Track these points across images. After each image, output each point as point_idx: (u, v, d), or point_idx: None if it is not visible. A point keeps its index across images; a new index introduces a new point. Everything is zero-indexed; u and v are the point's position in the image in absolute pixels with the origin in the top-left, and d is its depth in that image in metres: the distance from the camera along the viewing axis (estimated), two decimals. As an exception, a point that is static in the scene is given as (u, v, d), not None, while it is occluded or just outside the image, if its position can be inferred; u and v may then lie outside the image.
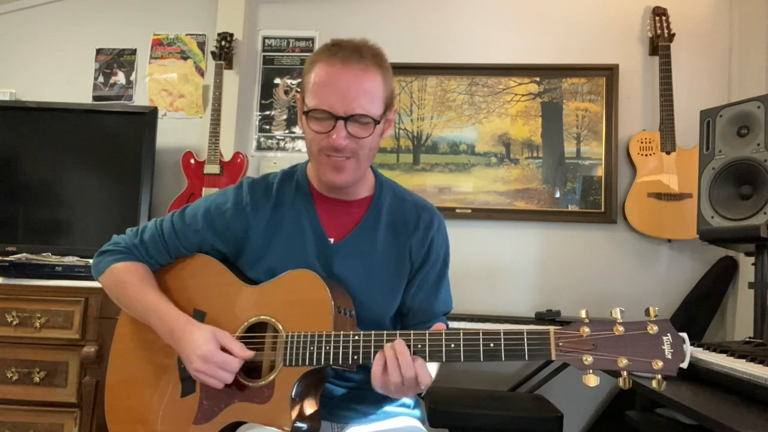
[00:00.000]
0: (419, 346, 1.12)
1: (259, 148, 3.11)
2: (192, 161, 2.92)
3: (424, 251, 1.37)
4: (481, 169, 2.97)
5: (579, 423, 2.79)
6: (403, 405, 1.41)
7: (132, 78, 3.19)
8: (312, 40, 3.13)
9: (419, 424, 1.40)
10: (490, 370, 2.82)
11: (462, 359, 1.10)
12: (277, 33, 3.16)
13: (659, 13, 2.84)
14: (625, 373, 1.02)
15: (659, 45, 2.80)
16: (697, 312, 2.68)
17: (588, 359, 1.03)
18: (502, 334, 1.09)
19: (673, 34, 2.80)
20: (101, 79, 3.19)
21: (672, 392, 1.28)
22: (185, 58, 3.18)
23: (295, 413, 1.17)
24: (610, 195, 2.85)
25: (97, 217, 2.81)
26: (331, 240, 1.34)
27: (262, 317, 1.26)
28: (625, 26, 2.95)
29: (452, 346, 1.11)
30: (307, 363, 1.18)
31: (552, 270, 2.87)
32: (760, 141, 1.82)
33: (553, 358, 1.05)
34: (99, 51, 3.21)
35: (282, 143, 3.11)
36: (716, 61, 2.88)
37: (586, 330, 1.05)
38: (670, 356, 1.00)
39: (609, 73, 2.91)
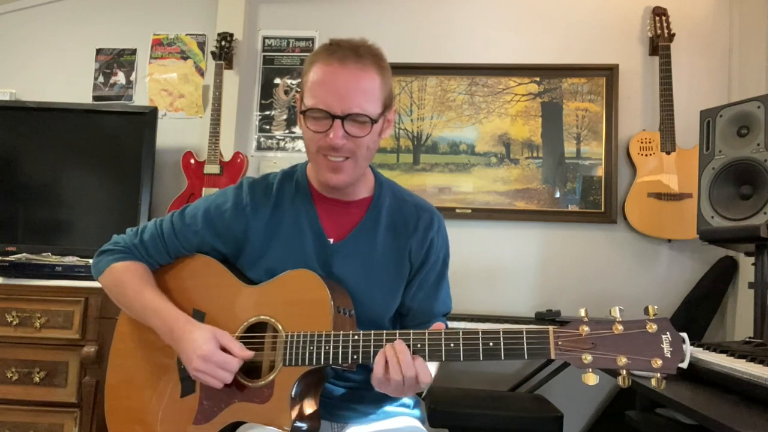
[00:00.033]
0: (419, 345, 1.12)
1: (259, 148, 3.11)
2: (192, 161, 2.92)
3: (424, 252, 1.37)
4: (481, 169, 2.97)
5: (579, 423, 2.79)
6: (403, 405, 1.41)
7: (132, 78, 3.19)
8: (312, 40, 3.13)
9: (419, 424, 1.40)
10: (490, 370, 2.82)
11: (461, 358, 1.10)
12: (277, 33, 3.16)
13: (659, 13, 2.84)
14: (624, 371, 1.02)
15: (659, 45, 2.80)
16: (697, 312, 2.68)
17: (587, 358, 1.03)
18: (501, 333, 1.09)
19: (673, 34, 2.80)
20: (101, 79, 3.20)
21: (672, 392, 1.28)
22: (185, 58, 3.18)
23: (294, 413, 1.17)
24: (610, 195, 2.85)
25: (97, 217, 2.81)
26: (331, 240, 1.34)
27: (261, 317, 1.26)
28: (625, 26, 2.95)
29: (452, 345, 1.11)
30: (306, 363, 1.18)
31: (552, 270, 2.87)
32: (760, 141, 1.82)
33: (553, 356, 1.05)
34: (99, 51, 3.21)
35: (282, 143, 3.11)
36: (716, 61, 2.88)
37: (585, 329, 1.05)
38: (669, 355, 1.00)
39: (609, 73, 2.92)
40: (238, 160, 2.89)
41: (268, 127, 3.12)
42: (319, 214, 1.36)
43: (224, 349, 1.21)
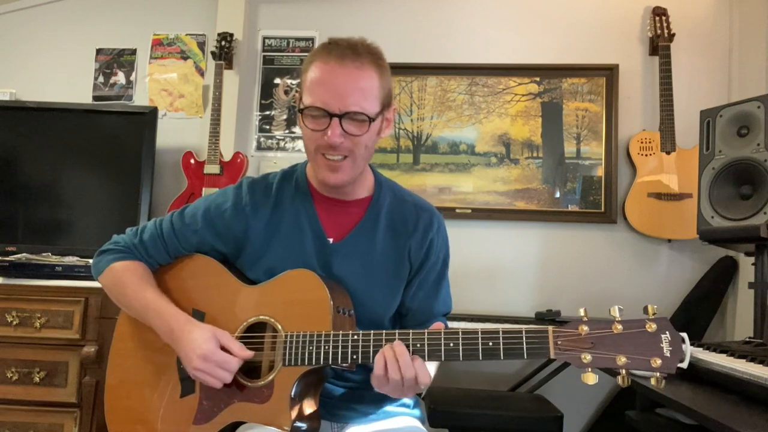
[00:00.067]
0: (418, 345, 1.12)
1: (259, 148, 3.11)
2: (192, 161, 2.92)
3: (424, 252, 1.37)
4: (481, 169, 2.97)
5: (579, 423, 2.79)
6: (403, 405, 1.41)
7: (132, 78, 3.19)
8: (312, 40, 3.13)
9: (419, 424, 1.40)
10: (490, 370, 2.82)
11: (461, 358, 1.10)
12: (277, 33, 3.16)
13: (659, 13, 2.84)
14: (623, 371, 1.02)
15: (659, 45, 2.80)
16: (697, 312, 2.67)
17: (587, 357, 1.03)
18: (500, 332, 1.09)
19: (673, 34, 2.80)
20: (101, 79, 3.20)
21: (672, 392, 1.28)
22: (185, 58, 3.18)
23: (294, 413, 1.17)
24: (610, 195, 2.84)
25: (97, 217, 2.81)
26: (331, 240, 1.34)
27: (261, 317, 1.26)
28: (625, 26, 2.95)
29: (451, 345, 1.11)
30: (306, 363, 1.18)
31: (552, 270, 2.87)
32: (760, 141, 1.81)
33: (552, 356, 1.05)
34: (99, 51, 3.21)
35: (282, 143, 3.11)
36: (716, 61, 2.88)
37: (585, 328, 1.05)
38: (668, 354, 1.00)
39: (609, 73, 2.91)
40: (238, 160, 2.89)
41: (268, 127, 3.12)
42: (319, 214, 1.36)
43: (224, 349, 1.21)
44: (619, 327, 1.04)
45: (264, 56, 3.15)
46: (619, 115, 2.88)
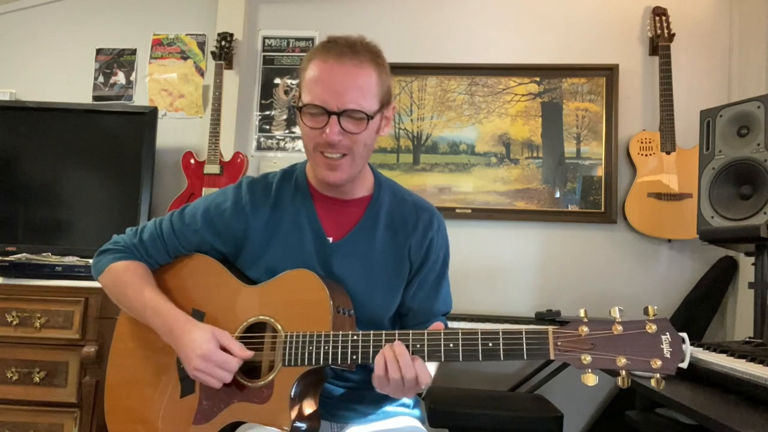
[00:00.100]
0: (418, 345, 1.12)
1: (259, 148, 3.11)
2: (192, 161, 2.92)
3: (423, 251, 1.37)
4: (481, 169, 2.97)
5: (579, 423, 2.79)
6: (403, 405, 1.41)
7: (132, 78, 3.19)
8: (312, 40, 3.13)
9: (419, 424, 1.40)
10: (490, 370, 2.82)
11: (461, 359, 1.10)
12: (277, 33, 3.16)
13: (659, 13, 2.84)
14: (623, 372, 1.02)
15: (659, 45, 2.80)
16: (697, 312, 2.67)
17: (586, 358, 1.03)
18: (500, 333, 1.09)
19: (673, 34, 2.80)
20: (101, 79, 3.20)
21: (672, 392, 1.28)
22: (185, 58, 3.18)
23: (294, 413, 1.17)
24: (610, 195, 2.84)
25: (97, 217, 2.81)
26: (330, 239, 1.34)
27: (261, 317, 1.26)
28: (625, 26, 2.95)
29: (451, 345, 1.11)
30: (306, 363, 1.18)
31: (552, 270, 2.87)
32: (760, 141, 1.81)
33: (552, 357, 1.05)
34: (99, 51, 3.21)
35: (282, 143, 3.11)
36: (716, 61, 2.88)
37: (585, 329, 1.05)
38: (668, 355, 1.00)
39: (609, 73, 2.91)
40: (238, 160, 2.89)
41: (268, 127, 3.12)
42: (319, 213, 1.36)
43: (224, 349, 1.21)
44: (620, 328, 1.03)
45: (264, 56, 3.15)
46: (619, 115, 2.88)
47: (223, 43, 2.97)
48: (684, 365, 1.01)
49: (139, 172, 2.79)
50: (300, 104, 1.26)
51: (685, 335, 1.02)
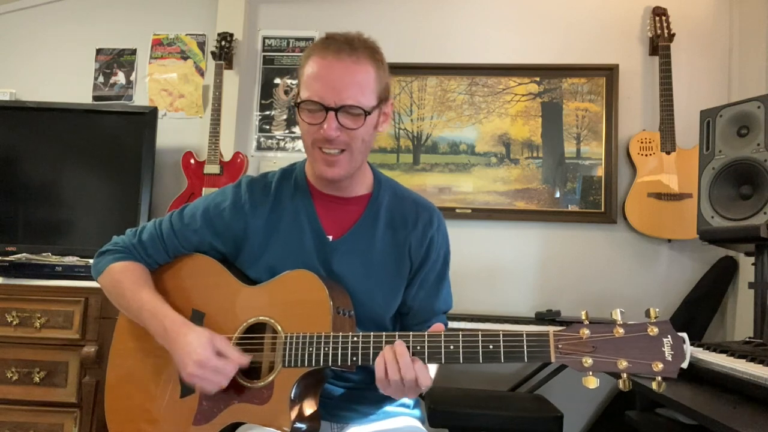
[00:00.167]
0: (418, 347, 1.12)
1: (259, 148, 3.11)
2: (192, 161, 2.92)
3: (424, 250, 1.37)
4: (481, 169, 2.97)
5: (579, 423, 2.79)
6: (403, 405, 1.41)
7: (132, 78, 3.19)
8: (312, 40, 3.13)
9: (419, 424, 1.40)
10: (490, 370, 2.82)
11: (461, 361, 1.10)
12: (277, 33, 3.16)
13: (659, 13, 2.84)
14: (625, 374, 1.01)
15: (659, 45, 2.80)
16: (697, 312, 2.67)
17: (587, 361, 1.03)
18: (501, 335, 1.08)
19: (673, 34, 2.80)
20: (101, 79, 3.20)
21: (672, 392, 1.28)
22: (185, 58, 3.18)
23: (294, 414, 1.17)
24: (610, 195, 2.84)
25: (97, 217, 2.81)
26: (330, 237, 1.34)
27: (261, 318, 1.26)
28: (625, 26, 2.95)
29: (451, 347, 1.10)
30: (306, 364, 1.17)
31: (552, 270, 2.87)
32: (760, 141, 1.81)
33: (553, 360, 1.04)
34: (99, 51, 3.21)
35: (282, 143, 3.11)
36: (716, 61, 2.88)
37: (586, 332, 1.04)
38: (670, 358, 1.00)
39: (609, 73, 2.91)
40: (238, 160, 2.89)
41: (268, 127, 3.12)
42: (318, 212, 1.36)
43: (221, 354, 1.20)
44: (621, 331, 1.03)
45: (264, 56, 3.15)
46: (619, 115, 2.88)
47: (223, 43, 2.96)
48: (684, 365, 1.00)
49: (139, 172, 2.79)
50: (298, 100, 1.27)
51: (685, 335, 1.02)
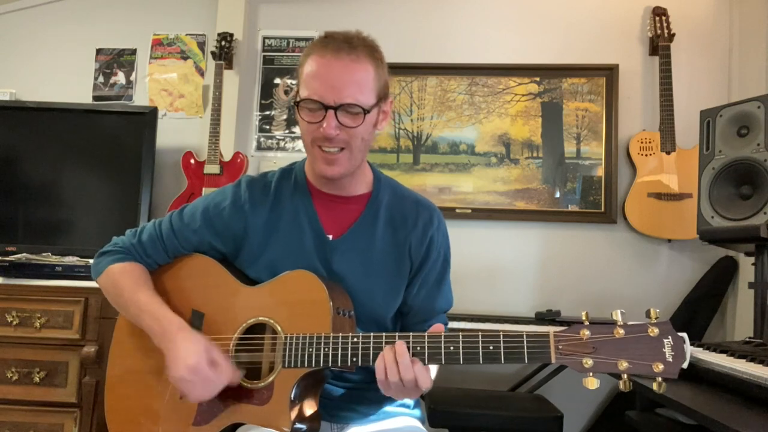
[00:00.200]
0: (418, 348, 1.11)
1: (259, 148, 3.11)
2: (192, 161, 2.92)
3: (424, 249, 1.37)
4: (481, 169, 2.97)
5: (579, 423, 2.79)
6: (403, 405, 1.41)
7: (132, 78, 3.19)
8: (312, 40, 3.12)
9: (419, 424, 1.40)
10: (490, 370, 2.82)
11: (461, 362, 1.09)
12: (277, 33, 3.16)
13: (659, 13, 2.84)
14: (625, 375, 1.01)
15: (659, 45, 2.80)
16: (697, 312, 2.68)
17: (588, 362, 1.02)
18: (501, 336, 1.08)
19: (673, 34, 2.80)
20: (101, 79, 3.19)
21: (672, 392, 1.28)
22: (185, 58, 3.18)
23: (294, 414, 1.17)
24: (610, 195, 2.84)
25: (97, 217, 2.81)
26: (330, 237, 1.34)
27: (261, 318, 1.26)
28: (625, 26, 2.95)
29: (451, 348, 1.10)
30: (306, 365, 1.17)
31: (552, 270, 2.87)
32: (760, 141, 1.81)
33: (553, 361, 1.04)
34: (99, 51, 3.21)
35: (282, 143, 3.11)
36: (716, 61, 2.88)
37: (586, 333, 1.04)
38: (671, 359, 1.00)
39: (609, 73, 2.91)
40: (238, 160, 2.89)
41: (268, 127, 3.12)
42: (318, 211, 1.36)
43: (215, 364, 1.19)
44: (621, 331, 1.02)
45: (264, 56, 3.15)
46: (619, 115, 2.88)
47: (223, 43, 2.96)
48: (684, 365, 1.00)
49: (139, 172, 2.79)
50: (298, 99, 1.27)
51: (685, 335, 1.02)
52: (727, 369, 1.31)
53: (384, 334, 1.15)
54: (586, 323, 1.05)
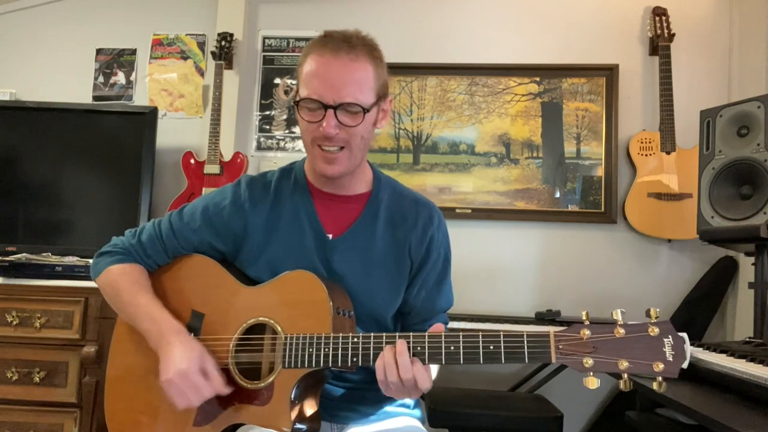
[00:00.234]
0: (419, 348, 1.11)
1: (259, 148, 3.11)
2: (192, 161, 2.92)
3: (424, 249, 1.37)
4: (481, 169, 2.97)
5: (579, 423, 2.79)
6: (403, 405, 1.41)
7: (132, 78, 3.19)
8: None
9: (419, 424, 1.40)
10: (491, 370, 2.82)
11: (462, 362, 1.09)
12: (277, 33, 3.16)
13: (659, 13, 2.84)
14: (625, 375, 1.01)
15: (659, 45, 2.80)
16: (697, 312, 2.68)
17: (588, 362, 1.02)
18: (501, 336, 1.08)
19: (673, 34, 2.80)
20: (101, 79, 3.19)
21: (672, 392, 1.28)
22: (185, 58, 3.18)
23: (294, 414, 1.17)
24: (610, 195, 2.84)
25: (97, 217, 2.81)
26: (330, 236, 1.34)
27: (261, 319, 1.26)
28: (625, 26, 2.95)
29: (452, 348, 1.10)
30: (306, 365, 1.17)
31: (552, 270, 2.87)
32: (760, 141, 1.81)
33: (553, 361, 1.04)
34: (99, 51, 3.21)
35: (282, 143, 3.11)
36: (716, 61, 2.88)
37: (587, 332, 1.04)
38: (671, 358, 1.00)
39: (609, 73, 2.91)
40: (238, 160, 2.89)
41: (268, 127, 3.12)
42: (318, 210, 1.36)
43: (205, 373, 1.20)
44: (622, 331, 1.02)
45: (264, 56, 3.15)
46: (619, 115, 2.88)
47: (223, 43, 2.96)
48: (684, 365, 1.00)
49: (139, 172, 2.79)
50: (297, 98, 1.27)
51: (685, 335, 1.02)
52: (727, 369, 1.31)
53: (384, 334, 1.15)
54: (587, 323, 1.05)
